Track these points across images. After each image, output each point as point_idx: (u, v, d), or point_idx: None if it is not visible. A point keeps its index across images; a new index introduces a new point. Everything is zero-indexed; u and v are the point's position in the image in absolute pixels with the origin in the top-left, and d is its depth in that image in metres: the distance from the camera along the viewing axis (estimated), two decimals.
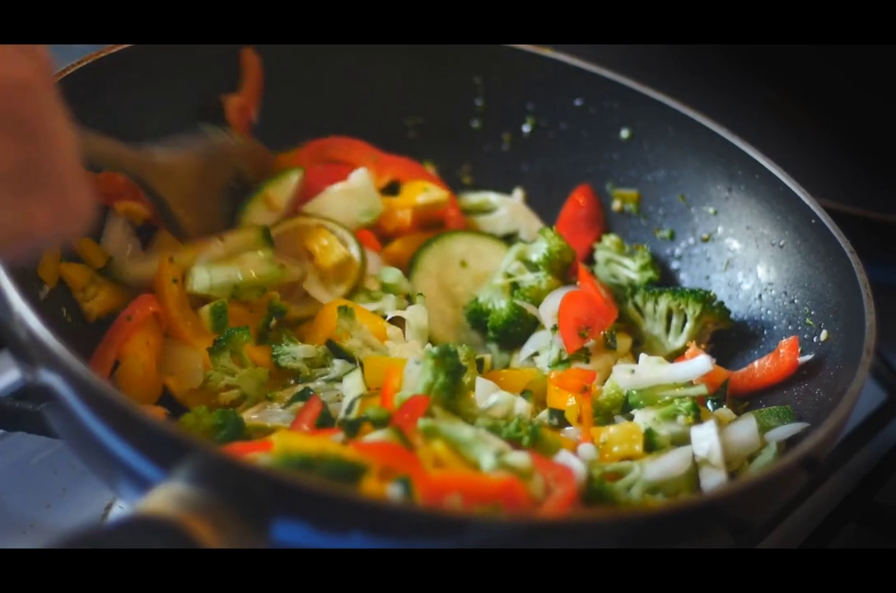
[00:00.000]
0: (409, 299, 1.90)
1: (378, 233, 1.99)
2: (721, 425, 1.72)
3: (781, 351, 1.81)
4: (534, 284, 1.92)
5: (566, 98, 2.07)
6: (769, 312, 1.89)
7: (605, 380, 1.82)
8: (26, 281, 1.65)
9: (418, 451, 1.50)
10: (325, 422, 1.63)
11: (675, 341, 1.89)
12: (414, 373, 1.65)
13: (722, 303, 1.89)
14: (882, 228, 2.02)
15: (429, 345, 1.82)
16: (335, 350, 1.78)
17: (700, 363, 1.78)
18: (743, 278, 1.95)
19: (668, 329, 1.89)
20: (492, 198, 2.10)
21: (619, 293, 1.97)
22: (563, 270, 1.94)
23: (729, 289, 1.95)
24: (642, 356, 1.82)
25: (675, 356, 1.87)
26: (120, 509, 1.76)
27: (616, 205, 2.07)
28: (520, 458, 1.52)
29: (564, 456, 1.60)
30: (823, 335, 1.78)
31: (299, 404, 1.68)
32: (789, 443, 1.69)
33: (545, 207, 2.10)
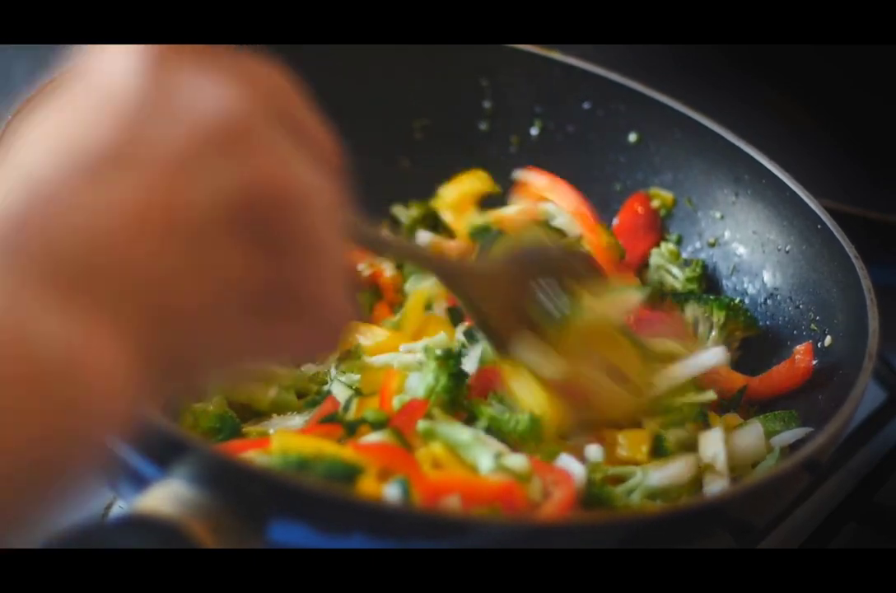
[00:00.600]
0: None
1: None
2: (727, 430, 1.70)
3: (797, 356, 1.80)
4: None
5: (574, 101, 2.07)
6: (774, 317, 1.88)
7: None
8: None
9: (416, 453, 1.50)
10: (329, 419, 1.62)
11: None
12: (415, 376, 1.64)
13: (747, 311, 1.87)
14: (882, 229, 2.01)
15: (429, 344, 1.81)
16: None
17: (713, 354, 1.75)
18: (749, 283, 1.94)
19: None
20: (549, 208, 2.03)
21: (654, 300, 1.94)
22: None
23: (735, 294, 1.95)
24: None
25: None
26: (120, 509, 1.75)
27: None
28: (518, 461, 1.52)
29: (565, 460, 1.60)
30: (828, 340, 1.78)
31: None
32: (791, 447, 1.68)
33: None
